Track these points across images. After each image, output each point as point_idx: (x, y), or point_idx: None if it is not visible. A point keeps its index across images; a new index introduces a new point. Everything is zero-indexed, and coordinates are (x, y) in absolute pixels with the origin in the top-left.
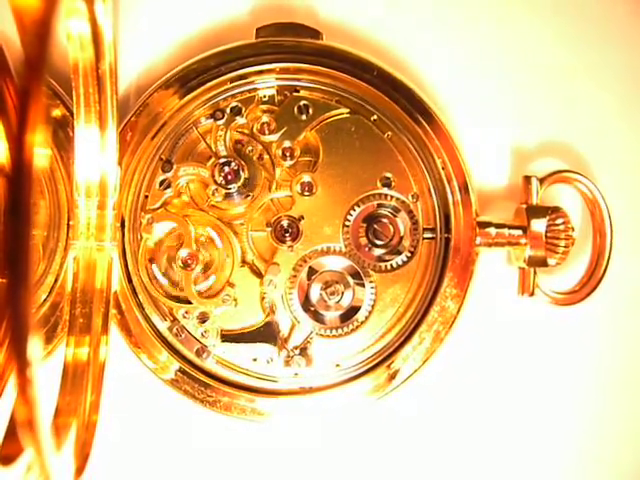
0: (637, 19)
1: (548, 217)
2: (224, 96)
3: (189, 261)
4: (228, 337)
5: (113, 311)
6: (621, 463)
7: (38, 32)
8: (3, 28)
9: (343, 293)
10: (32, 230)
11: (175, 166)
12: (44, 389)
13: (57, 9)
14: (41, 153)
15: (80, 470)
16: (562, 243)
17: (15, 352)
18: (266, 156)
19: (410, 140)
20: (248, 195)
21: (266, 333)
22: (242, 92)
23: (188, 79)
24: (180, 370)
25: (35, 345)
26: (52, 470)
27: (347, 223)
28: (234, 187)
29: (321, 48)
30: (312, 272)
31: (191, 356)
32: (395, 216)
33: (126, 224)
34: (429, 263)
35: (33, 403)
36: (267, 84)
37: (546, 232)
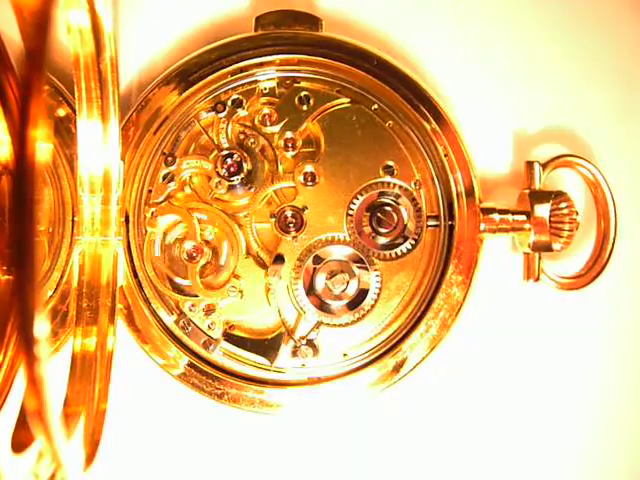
0: (633, 6)
1: (552, 202)
2: (225, 89)
3: (194, 254)
4: (231, 339)
5: (119, 306)
6: (631, 448)
7: (37, 23)
8: (3, 24)
9: (348, 282)
10: (37, 224)
11: (178, 159)
12: (53, 380)
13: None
14: (43, 147)
15: (90, 457)
16: (566, 227)
17: (23, 344)
18: (268, 147)
19: (411, 128)
20: (251, 187)
21: (267, 347)
22: (243, 85)
23: (189, 73)
24: (189, 364)
25: (43, 336)
26: (63, 457)
27: (350, 212)
28: (237, 179)
29: (320, 39)
30: (317, 261)
31: (198, 349)
32: (398, 204)
33: (130, 219)
34: (434, 250)
35: (42, 393)
36: (267, 76)
37: (550, 217)
